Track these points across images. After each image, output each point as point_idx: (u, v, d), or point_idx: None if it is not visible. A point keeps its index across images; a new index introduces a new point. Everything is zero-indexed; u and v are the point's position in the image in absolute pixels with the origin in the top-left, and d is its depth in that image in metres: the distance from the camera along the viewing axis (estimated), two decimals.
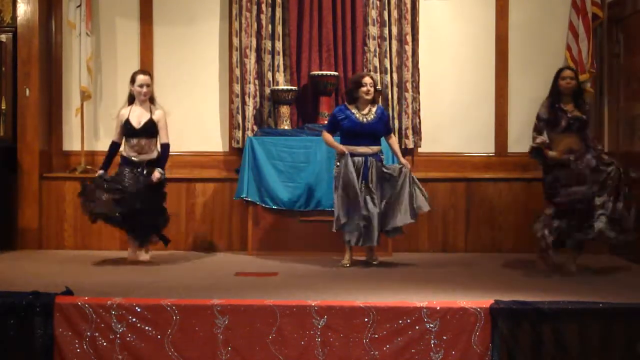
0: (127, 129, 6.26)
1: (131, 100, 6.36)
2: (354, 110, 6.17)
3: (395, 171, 6.12)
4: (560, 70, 6.08)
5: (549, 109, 5.98)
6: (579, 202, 5.69)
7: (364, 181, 6.03)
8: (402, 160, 6.25)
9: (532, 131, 6.06)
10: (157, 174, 6.19)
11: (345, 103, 6.30)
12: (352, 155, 6.05)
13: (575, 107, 5.97)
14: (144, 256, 6.43)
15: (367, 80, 6.16)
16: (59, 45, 7.64)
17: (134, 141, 6.26)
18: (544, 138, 5.93)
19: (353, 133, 6.12)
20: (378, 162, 6.13)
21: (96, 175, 6.34)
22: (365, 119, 6.14)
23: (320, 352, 4.51)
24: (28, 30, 7.34)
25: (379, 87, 7.21)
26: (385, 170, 6.13)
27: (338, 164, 6.11)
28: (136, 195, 6.11)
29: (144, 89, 6.25)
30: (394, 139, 6.47)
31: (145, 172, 6.22)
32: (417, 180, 6.17)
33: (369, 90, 6.13)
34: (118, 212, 6.08)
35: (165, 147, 6.34)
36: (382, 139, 6.34)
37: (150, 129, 6.27)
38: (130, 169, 6.22)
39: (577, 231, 5.78)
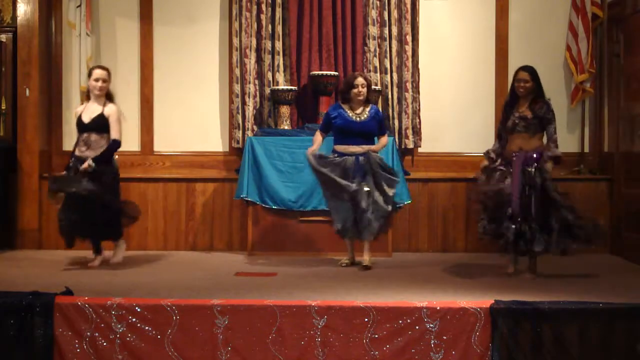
0: (77, 124, 6.11)
1: (87, 96, 6.27)
2: (347, 109, 6.14)
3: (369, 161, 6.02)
4: (516, 72, 5.86)
5: (502, 111, 5.93)
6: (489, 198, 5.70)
7: (358, 178, 5.95)
8: (373, 147, 6.09)
9: None
10: (85, 164, 5.93)
11: (339, 102, 6.26)
12: (343, 154, 6.03)
13: (528, 107, 5.73)
14: (94, 262, 6.22)
15: (359, 81, 6.09)
16: (59, 45, 7.63)
17: (84, 136, 6.06)
18: (490, 148, 5.89)
19: (345, 132, 6.08)
20: (372, 158, 6.01)
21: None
22: (358, 118, 6.10)
23: (320, 352, 4.51)
24: (28, 30, 7.34)
25: (378, 87, 7.22)
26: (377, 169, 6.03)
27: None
28: (82, 198, 5.89)
29: (99, 83, 6.09)
30: (384, 137, 6.27)
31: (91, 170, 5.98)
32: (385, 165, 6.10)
33: (360, 92, 6.08)
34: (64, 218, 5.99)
35: (113, 142, 6.07)
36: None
37: (100, 124, 6.04)
38: (76, 168, 6.01)
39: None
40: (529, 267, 5.75)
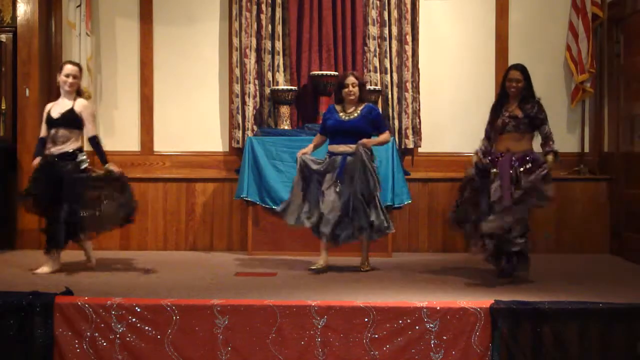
0: (47, 120, 5.91)
1: (58, 92, 6.08)
2: (338, 109, 6.08)
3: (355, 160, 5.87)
4: (507, 71, 5.76)
5: (492, 111, 5.79)
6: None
7: (338, 181, 5.84)
8: (366, 140, 5.90)
9: None
10: (114, 167, 5.85)
11: (334, 103, 6.21)
12: (332, 154, 5.96)
13: (517, 106, 5.61)
14: (42, 268, 5.87)
15: (349, 80, 6.00)
16: (59, 45, 7.63)
17: (52, 132, 5.85)
18: (479, 146, 5.77)
19: (335, 132, 6.01)
20: (359, 162, 5.83)
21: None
22: (347, 117, 6.01)
23: (320, 352, 4.51)
24: (28, 30, 7.34)
25: (378, 87, 7.22)
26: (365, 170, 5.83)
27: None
28: (49, 196, 5.74)
29: (70, 79, 5.88)
30: (383, 136, 6.07)
31: (60, 166, 5.80)
32: (370, 167, 5.86)
33: (350, 91, 5.99)
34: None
35: (92, 140, 5.93)
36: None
37: (69, 119, 5.84)
38: (44, 166, 5.83)
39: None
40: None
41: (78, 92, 6.02)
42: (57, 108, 5.94)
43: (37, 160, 5.91)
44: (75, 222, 5.82)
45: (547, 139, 5.60)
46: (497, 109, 5.73)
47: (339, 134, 5.99)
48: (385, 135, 6.10)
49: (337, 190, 5.85)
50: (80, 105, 5.92)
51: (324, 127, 6.14)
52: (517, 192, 5.36)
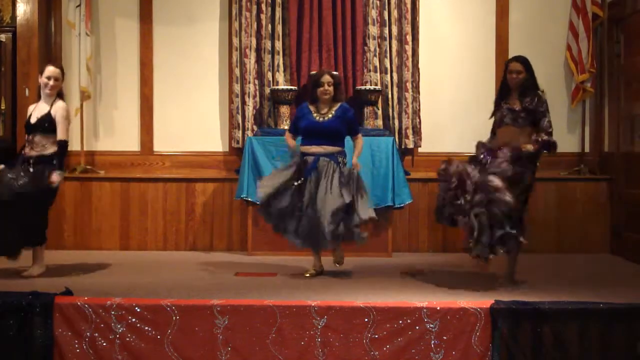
0: (25, 125, 5.76)
1: (39, 94, 5.87)
2: (312, 109, 5.87)
3: (345, 173, 5.67)
4: (507, 63, 5.62)
5: (494, 104, 5.66)
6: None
7: (301, 180, 5.66)
8: (354, 160, 5.77)
9: None
10: (55, 177, 5.54)
11: (307, 102, 5.98)
12: (305, 154, 5.76)
13: (517, 99, 5.46)
14: (33, 269, 5.76)
15: (325, 79, 5.80)
16: (59, 45, 7.63)
17: (30, 137, 5.69)
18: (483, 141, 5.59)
19: (308, 133, 5.81)
20: (334, 164, 5.67)
21: None
22: (321, 119, 5.81)
23: (320, 352, 4.51)
24: (28, 30, 7.34)
25: (378, 87, 7.21)
26: (340, 173, 5.66)
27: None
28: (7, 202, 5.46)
29: (51, 82, 5.71)
30: (358, 141, 5.93)
31: (32, 169, 5.58)
32: (364, 186, 5.73)
33: (326, 90, 5.79)
34: None
35: (60, 144, 5.66)
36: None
37: (45, 124, 5.64)
38: (16, 167, 5.61)
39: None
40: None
41: (59, 95, 5.82)
42: (36, 112, 5.76)
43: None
44: None
45: (540, 131, 5.36)
46: (498, 102, 5.62)
47: (312, 135, 5.78)
48: (360, 142, 5.93)
49: (305, 191, 5.65)
50: (55, 108, 5.71)
51: (296, 127, 5.93)
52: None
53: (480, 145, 5.57)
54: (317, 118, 5.82)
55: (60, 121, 5.68)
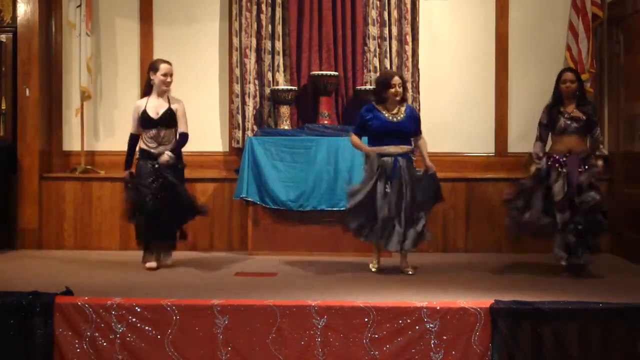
0: (144, 120, 6.00)
1: (147, 90, 6.15)
2: (382, 110, 5.91)
3: (422, 174, 5.87)
4: (560, 73, 6.01)
5: (547, 113, 5.97)
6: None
7: (389, 182, 5.77)
8: (428, 162, 5.92)
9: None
10: (165, 156, 5.92)
11: (373, 103, 6.00)
12: (382, 155, 5.81)
13: (576, 108, 5.88)
14: (168, 260, 6.24)
15: (395, 80, 5.84)
16: (59, 45, 7.64)
17: (153, 132, 6.00)
18: (536, 151, 5.96)
19: (382, 133, 5.84)
20: (409, 163, 5.86)
21: (124, 176, 6.14)
22: (394, 118, 5.87)
23: (320, 352, 4.51)
24: (28, 30, 7.34)
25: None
26: (417, 172, 5.88)
27: (366, 166, 5.91)
28: (159, 193, 5.91)
29: (169, 79, 6.07)
30: (423, 141, 6.09)
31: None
32: (440, 189, 5.97)
33: (397, 92, 5.85)
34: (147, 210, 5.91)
35: (183, 135, 6.08)
36: None
37: (169, 119, 6.02)
38: (147, 163, 5.97)
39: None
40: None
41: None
42: (152, 108, 6.02)
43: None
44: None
45: (597, 142, 5.90)
46: (553, 111, 5.92)
47: (387, 135, 5.84)
48: (424, 141, 6.12)
49: (388, 191, 5.77)
50: (176, 104, 6.09)
51: (364, 128, 5.94)
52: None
53: (539, 155, 5.92)
54: (390, 118, 5.89)
55: (181, 116, 6.07)
